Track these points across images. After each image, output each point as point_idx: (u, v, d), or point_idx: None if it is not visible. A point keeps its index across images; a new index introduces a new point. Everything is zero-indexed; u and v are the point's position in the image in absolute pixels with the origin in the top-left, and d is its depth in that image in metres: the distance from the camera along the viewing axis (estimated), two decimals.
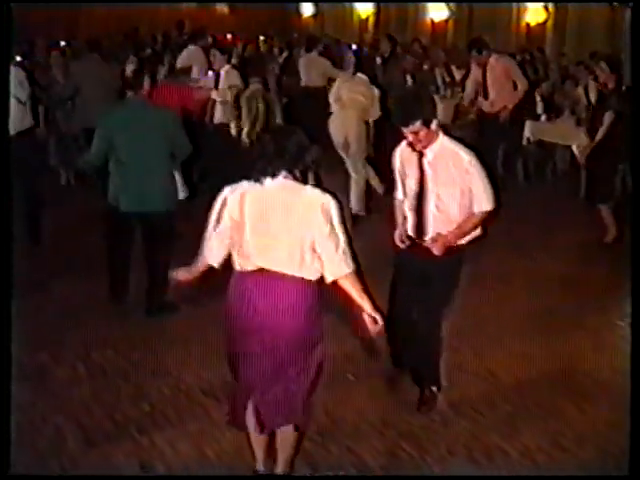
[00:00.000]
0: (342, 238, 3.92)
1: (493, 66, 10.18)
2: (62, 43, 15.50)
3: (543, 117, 11.46)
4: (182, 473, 4.53)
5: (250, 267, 3.99)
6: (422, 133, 4.75)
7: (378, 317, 4.02)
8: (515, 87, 10.33)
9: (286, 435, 4.21)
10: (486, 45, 10.33)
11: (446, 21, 20.04)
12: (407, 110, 4.92)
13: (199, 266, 4.15)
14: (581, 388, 5.54)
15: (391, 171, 5.27)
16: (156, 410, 5.17)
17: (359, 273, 4.01)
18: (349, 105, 9.44)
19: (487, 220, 5.00)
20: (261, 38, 18.41)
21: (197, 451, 4.69)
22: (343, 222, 3.95)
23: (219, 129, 9.58)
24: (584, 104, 10.94)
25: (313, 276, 3.98)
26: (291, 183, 3.96)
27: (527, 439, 4.91)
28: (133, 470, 4.57)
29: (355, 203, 9.57)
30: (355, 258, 3.97)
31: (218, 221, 4.02)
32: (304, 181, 4.03)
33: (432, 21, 20.36)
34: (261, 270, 3.96)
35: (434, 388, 5.24)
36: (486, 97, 10.32)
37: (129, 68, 10.46)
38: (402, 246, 5.10)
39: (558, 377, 5.65)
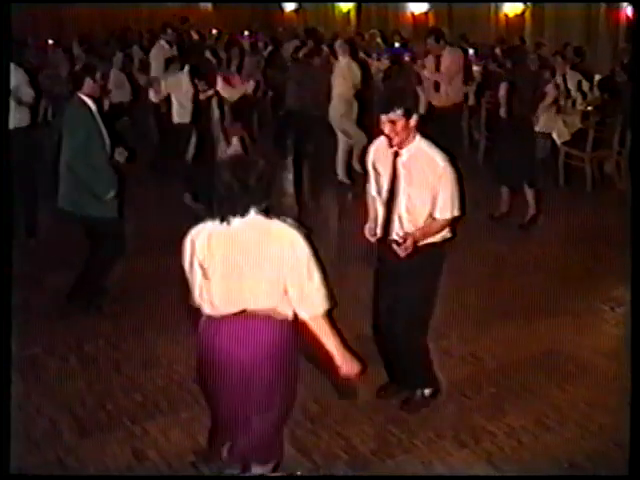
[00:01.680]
0: (316, 275, 3.72)
1: (445, 57, 10.06)
2: (49, 41, 15.47)
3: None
4: (175, 461, 4.59)
5: (220, 312, 3.76)
6: (400, 124, 4.65)
7: (350, 363, 3.88)
8: (465, 82, 10.53)
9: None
10: (443, 36, 10.24)
11: (426, 14, 20.11)
12: (390, 97, 4.87)
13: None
14: (563, 370, 5.63)
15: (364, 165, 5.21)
16: (148, 400, 5.23)
17: (330, 314, 3.83)
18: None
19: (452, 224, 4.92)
20: (245, 33, 18.41)
21: (190, 439, 4.74)
22: (315, 256, 3.72)
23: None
24: (563, 93, 11.07)
25: (287, 315, 3.78)
26: (260, 220, 3.69)
27: (512, 420, 5.01)
28: (127, 458, 4.65)
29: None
30: (332, 295, 3.80)
31: (192, 268, 3.78)
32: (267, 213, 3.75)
33: (412, 14, 20.44)
34: (232, 314, 3.74)
35: (427, 391, 5.20)
36: (437, 89, 10.12)
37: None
38: (372, 240, 5.00)
39: (541, 359, 5.74)
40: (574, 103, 11.16)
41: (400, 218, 4.83)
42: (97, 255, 6.55)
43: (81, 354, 5.87)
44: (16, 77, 8.18)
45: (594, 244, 8.08)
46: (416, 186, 4.75)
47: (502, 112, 8.95)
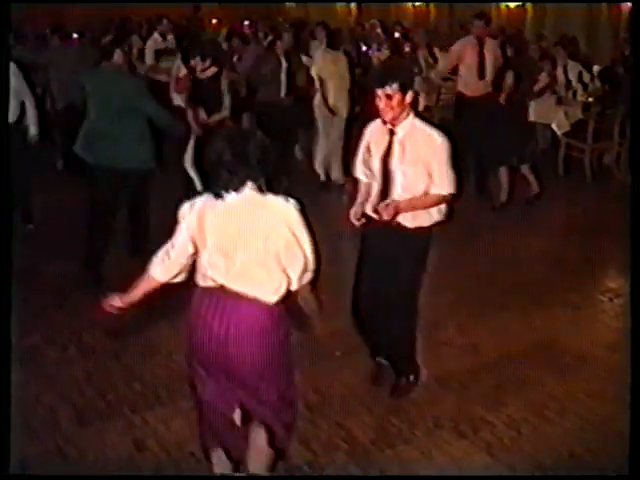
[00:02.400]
0: (308, 248, 3.66)
1: (490, 46, 9.84)
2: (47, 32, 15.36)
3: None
4: (175, 450, 4.60)
5: (211, 284, 3.66)
6: (396, 99, 4.65)
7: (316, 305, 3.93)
8: None
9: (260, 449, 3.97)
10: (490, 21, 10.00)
11: (427, 5, 20.12)
12: (386, 72, 4.94)
13: (142, 284, 3.79)
14: (562, 361, 5.64)
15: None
16: (148, 389, 5.23)
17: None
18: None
19: (446, 203, 4.89)
20: (245, 23, 18.38)
21: (189, 428, 4.72)
22: (308, 228, 3.64)
23: None
24: (563, 83, 11.06)
25: (276, 296, 3.67)
26: (254, 195, 3.57)
27: (512, 411, 5.02)
28: (127, 448, 4.65)
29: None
30: (318, 266, 3.75)
31: (176, 238, 3.68)
32: (269, 189, 3.62)
33: (413, 5, 20.44)
34: (222, 288, 3.64)
35: (412, 377, 5.23)
36: (482, 77, 9.76)
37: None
38: (357, 224, 4.96)
39: (540, 351, 5.76)
40: (575, 94, 11.15)
41: (396, 197, 4.81)
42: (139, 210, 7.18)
43: (80, 344, 5.87)
44: (15, 77, 8.22)
45: (593, 235, 8.09)
46: (411, 163, 4.75)
47: (502, 99, 8.93)
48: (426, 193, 4.79)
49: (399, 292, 4.96)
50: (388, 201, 4.76)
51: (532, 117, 11.12)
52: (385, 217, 4.72)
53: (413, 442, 4.73)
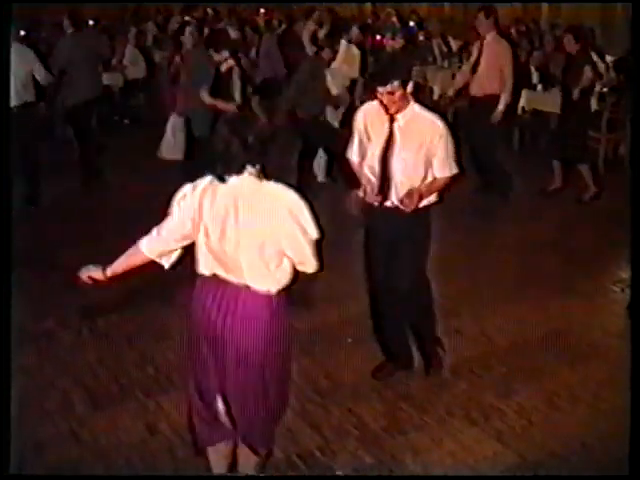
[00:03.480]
0: (313, 236, 3.56)
1: (489, 43, 9.20)
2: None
3: (539, 87, 11.53)
4: (187, 434, 4.58)
5: (208, 272, 3.64)
6: (398, 94, 4.69)
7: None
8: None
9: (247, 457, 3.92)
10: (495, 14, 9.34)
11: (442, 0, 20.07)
12: (386, 70, 4.95)
13: (128, 256, 3.77)
14: (574, 350, 5.65)
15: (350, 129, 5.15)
16: (161, 373, 5.27)
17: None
18: None
19: (448, 186, 4.96)
20: (261, 11, 18.35)
21: None
22: (313, 216, 3.55)
23: None
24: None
25: (275, 286, 3.62)
26: (254, 180, 3.54)
27: (523, 399, 5.03)
28: (139, 431, 4.68)
29: None
30: (320, 256, 3.65)
31: (173, 216, 3.64)
32: (266, 176, 3.59)
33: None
34: (220, 277, 3.61)
35: (439, 349, 5.29)
36: (474, 72, 9.28)
37: None
38: (376, 202, 4.90)
39: (552, 340, 5.75)
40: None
41: (396, 184, 4.84)
42: None
43: (94, 328, 5.91)
44: (30, 59, 8.29)
45: (606, 226, 8.07)
46: (412, 150, 4.78)
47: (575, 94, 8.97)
48: (425, 178, 4.83)
49: (414, 273, 5.01)
50: (409, 190, 4.78)
51: (536, 106, 11.14)
52: (410, 206, 4.77)
53: (424, 429, 4.75)
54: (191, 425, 3.93)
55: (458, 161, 4.91)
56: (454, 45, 12.83)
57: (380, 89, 4.73)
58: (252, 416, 3.77)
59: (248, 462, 3.93)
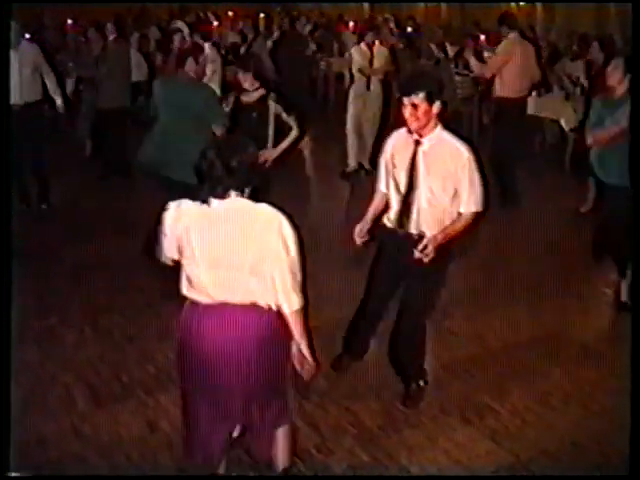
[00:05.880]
0: (297, 265, 3.47)
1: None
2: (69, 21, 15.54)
3: (534, 92, 11.61)
4: None
5: (203, 299, 3.55)
6: (422, 108, 4.48)
7: (311, 361, 3.65)
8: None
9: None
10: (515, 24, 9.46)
11: (439, 3, 20.19)
12: (413, 80, 4.75)
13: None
14: (567, 351, 5.72)
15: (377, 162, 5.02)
16: (161, 371, 5.33)
17: (305, 309, 3.59)
18: None
19: (475, 222, 4.75)
20: (261, 15, 18.44)
21: None
22: (298, 243, 3.47)
23: None
24: (572, 79, 11.12)
25: (270, 306, 3.54)
26: (242, 202, 3.47)
27: (516, 399, 5.10)
28: (140, 428, 4.75)
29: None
30: (304, 292, 3.56)
31: (165, 235, 3.59)
32: (255, 198, 3.52)
33: (426, 5, 20.52)
34: (215, 303, 3.53)
35: (421, 382, 5.11)
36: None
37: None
38: (359, 242, 4.83)
39: (545, 340, 5.84)
40: (583, 90, 11.20)
41: (419, 211, 4.66)
42: None
43: (96, 326, 5.98)
44: (36, 54, 8.36)
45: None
46: (437, 176, 4.58)
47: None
48: (449, 209, 4.64)
49: (422, 307, 4.89)
50: (425, 242, 4.56)
51: (540, 112, 11.18)
52: (426, 260, 4.55)
53: (419, 427, 4.82)
54: (187, 444, 3.86)
55: (485, 198, 4.67)
56: (451, 51, 12.93)
57: (405, 100, 4.55)
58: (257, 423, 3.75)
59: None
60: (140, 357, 5.52)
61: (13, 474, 3.66)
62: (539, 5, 17.57)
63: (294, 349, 3.65)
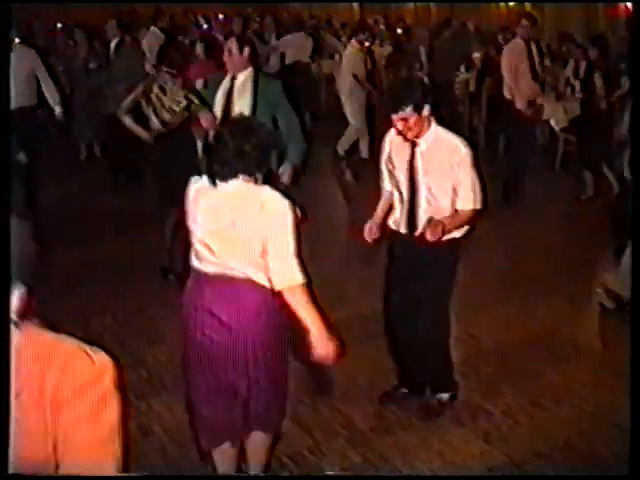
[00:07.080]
0: (292, 247, 3.48)
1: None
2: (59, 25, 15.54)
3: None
4: (179, 436, 4.66)
5: (203, 268, 3.64)
6: (412, 120, 4.40)
7: (326, 342, 3.61)
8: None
9: (258, 440, 3.91)
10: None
11: (428, 3, 20.21)
12: (397, 95, 4.61)
13: None
14: (559, 351, 5.72)
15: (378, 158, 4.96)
16: (153, 376, 5.32)
17: (309, 287, 3.57)
18: None
19: (474, 219, 4.72)
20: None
21: None
22: (296, 231, 3.50)
23: None
24: (564, 79, 11.13)
25: (268, 283, 3.56)
26: (247, 186, 3.52)
27: (509, 399, 5.09)
28: (132, 433, 4.70)
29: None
30: (306, 272, 3.56)
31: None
32: (266, 181, 3.58)
33: (415, 5, 20.54)
34: (216, 275, 3.60)
35: (445, 395, 4.97)
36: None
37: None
38: (369, 240, 4.79)
39: (538, 341, 5.84)
40: (573, 89, 11.21)
41: (423, 212, 4.63)
42: None
43: (88, 330, 5.91)
44: (32, 59, 8.33)
45: (590, 228, 8.17)
46: (435, 176, 4.54)
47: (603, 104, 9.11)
48: (451, 207, 4.60)
49: (437, 304, 4.82)
50: (435, 220, 4.50)
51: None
52: (431, 238, 4.45)
53: (412, 429, 4.80)
54: (193, 429, 3.91)
55: (484, 196, 4.63)
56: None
57: (393, 117, 4.47)
58: (267, 398, 3.79)
59: (256, 455, 3.94)
60: (132, 361, 5.46)
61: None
62: (528, 5, 17.57)
63: (309, 339, 3.59)
